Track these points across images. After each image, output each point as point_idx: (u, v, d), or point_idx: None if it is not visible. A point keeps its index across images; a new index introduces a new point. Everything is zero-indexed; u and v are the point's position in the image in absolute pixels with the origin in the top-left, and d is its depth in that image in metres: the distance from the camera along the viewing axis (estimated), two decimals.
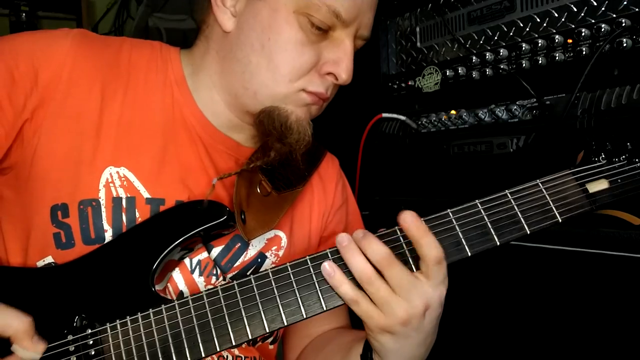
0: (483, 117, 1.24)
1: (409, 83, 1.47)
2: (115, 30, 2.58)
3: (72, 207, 0.87)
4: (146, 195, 0.90)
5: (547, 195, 0.81)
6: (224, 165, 0.99)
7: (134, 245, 0.85)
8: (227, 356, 0.96)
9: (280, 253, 1.02)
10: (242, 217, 0.91)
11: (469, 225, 0.80)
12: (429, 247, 0.75)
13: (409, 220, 0.75)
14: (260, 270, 0.92)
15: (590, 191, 0.82)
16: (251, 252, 0.99)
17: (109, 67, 0.92)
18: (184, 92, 0.97)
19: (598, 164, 0.84)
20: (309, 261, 0.80)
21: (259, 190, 0.96)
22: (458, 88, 1.34)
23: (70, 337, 0.79)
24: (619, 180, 0.83)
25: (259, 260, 1.00)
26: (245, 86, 0.92)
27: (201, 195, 0.93)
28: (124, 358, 0.78)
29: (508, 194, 0.81)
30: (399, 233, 0.80)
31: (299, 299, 0.78)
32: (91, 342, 0.79)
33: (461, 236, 0.80)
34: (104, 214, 0.88)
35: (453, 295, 1.20)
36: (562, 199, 0.81)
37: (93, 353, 0.78)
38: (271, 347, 1.07)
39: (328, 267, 0.77)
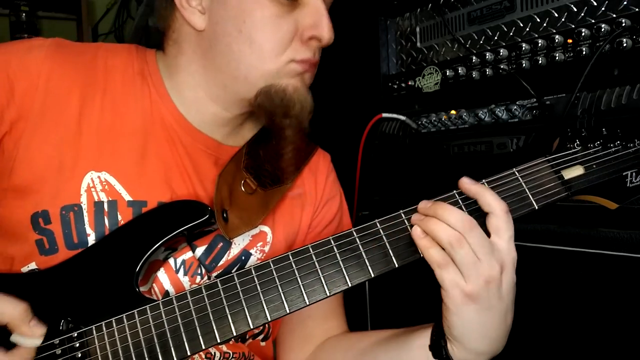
0: (483, 117, 1.24)
1: (409, 83, 1.46)
2: (115, 30, 2.59)
3: (53, 213, 0.87)
4: (127, 198, 0.90)
5: (523, 183, 0.82)
6: (204, 165, 0.99)
7: (117, 248, 0.85)
8: (214, 353, 0.96)
9: (266, 249, 1.02)
10: (224, 215, 0.91)
11: None
12: (494, 198, 0.77)
13: (469, 181, 0.80)
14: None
15: (566, 177, 0.83)
16: (234, 250, 0.99)
17: (85, 73, 0.92)
18: (161, 93, 0.97)
19: (573, 150, 0.85)
20: (290, 257, 0.80)
21: (243, 189, 0.96)
22: (458, 88, 1.33)
23: (56, 341, 0.79)
24: (594, 166, 0.83)
25: (243, 258, 0.99)
26: (234, 75, 0.92)
27: (183, 196, 0.93)
28: (111, 359, 0.78)
29: (485, 183, 0.82)
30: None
31: (281, 294, 0.79)
32: (77, 345, 0.79)
33: None
34: (86, 219, 0.88)
35: None
36: (538, 186, 0.82)
37: (80, 355, 0.79)
38: (263, 344, 1.06)
39: (419, 230, 0.78)
